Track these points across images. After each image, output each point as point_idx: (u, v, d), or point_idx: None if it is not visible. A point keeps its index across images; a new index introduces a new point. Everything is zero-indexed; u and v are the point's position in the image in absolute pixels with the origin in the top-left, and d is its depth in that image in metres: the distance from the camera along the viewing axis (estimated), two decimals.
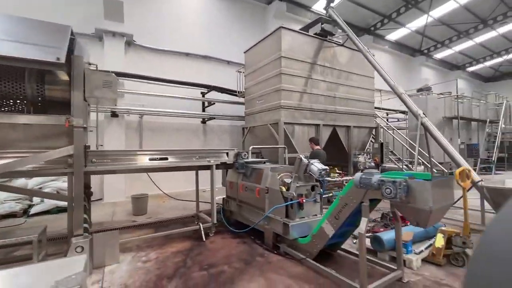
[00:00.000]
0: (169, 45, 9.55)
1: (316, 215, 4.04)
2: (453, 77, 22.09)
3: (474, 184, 5.27)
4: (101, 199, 7.82)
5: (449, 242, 3.52)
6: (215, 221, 4.74)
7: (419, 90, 13.29)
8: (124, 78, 8.16)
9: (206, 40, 10.38)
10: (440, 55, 19.54)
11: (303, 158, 4.00)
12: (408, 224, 4.50)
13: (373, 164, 8.74)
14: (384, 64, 16.83)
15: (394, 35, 16.32)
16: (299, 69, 7.44)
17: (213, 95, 9.93)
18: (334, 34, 8.11)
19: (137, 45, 8.91)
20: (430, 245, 3.66)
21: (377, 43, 16.20)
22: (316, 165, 3.82)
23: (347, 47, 8.65)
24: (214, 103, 9.89)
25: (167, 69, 9.36)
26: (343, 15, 8.66)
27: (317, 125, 7.69)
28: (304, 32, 7.72)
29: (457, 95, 11.79)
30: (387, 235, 3.61)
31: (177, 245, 4.34)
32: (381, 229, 4.23)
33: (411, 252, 3.46)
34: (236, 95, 9.66)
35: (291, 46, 7.30)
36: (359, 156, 8.50)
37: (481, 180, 4.98)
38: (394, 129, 11.97)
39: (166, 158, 4.40)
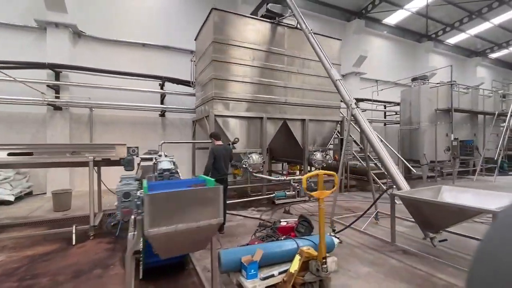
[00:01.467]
0: (124, 35, 9.20)
1: None
2: (472, 65, 19.70)
3: (385, 191, 4.39)
4: (45, 193, 7.77)
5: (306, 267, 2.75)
6: (92, 224, 4.31)
7: (414, 79, 11.79)
8: (67, 70, 7.98)
9: (165, 29, 9.87)
10: (452, 40, 17.36)
11: (155, 157, 3.40)
12: (295, 236, 3.75)
13: (331, 161, 7.83)
14: (381, 51, 15.57)
15: (393, 19, 14.66)
16: (239, 56, 6.71)
17: (171, 87, 9.49)
18: (283, 15, 7.22)
19: (88, 36, 8.67)
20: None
21: (372, 27, 14.66)
22: (161, 165, 3.21)
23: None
24: (165, 96, 9.45)
25: (122, 61, 9.05)
26: None
27: (261, 118, 6.93)
28: (243, 14, 6.93)
29: (451, 83, 10.23)
30: (235, 252, 2.92)
31: (39, 248, 3.97)
32: (256, 242, 3.52)
33: (254, 277, 2.74)
34: (190, 86, 9.12)
35: (227, 30, 6.57)
36: (315, 153, 7.64)
37: (391, 187, 4.05)
38: (371, 122, 10.69)
39: (31, 153, 4.02)
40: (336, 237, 3.80)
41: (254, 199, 6.92)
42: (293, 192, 7.05)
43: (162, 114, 9.66)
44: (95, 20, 8.78)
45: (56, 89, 7.88)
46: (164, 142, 5.92)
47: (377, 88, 13.07)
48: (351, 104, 4.94)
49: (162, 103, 9.59)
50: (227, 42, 6.54)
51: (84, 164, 4.30)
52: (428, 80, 11.58)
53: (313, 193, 2.81)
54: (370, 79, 13.94)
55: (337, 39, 8.38)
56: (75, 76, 8.24)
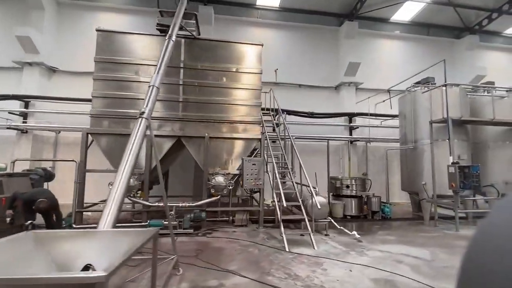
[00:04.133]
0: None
1: None
2: None
3: None
4: None
5: None
6: None
7: (417, 83, 8.91)
8: (36, 100, 9.46)
9: None
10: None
11: None
12: None
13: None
14: (392, 55, 12.69)
15: (402, 15, 11.88)
16: (124, 73, 6.50)
17: None
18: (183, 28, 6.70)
19: (61, 71, 10.19)
20: None
21: (373, 28, 12.21)
22: None
23: (208, 39, 6.99)
24: None
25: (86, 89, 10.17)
26: None
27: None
28: (129, 32, 6.75)
29: (445, 84, 7.15)
30: None
31: None
32: None
33: None
34: None
35: (111, 48, 6.53)
36: (216, 176, 6.44)
37: None
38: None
39: None
40: None
41: (130, 225, 6.18)
42: (174, 222, 5.97)
43: None
44: (68, 57, 10.31)
45: (24, 116, 9.41)
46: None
47: (369, 100, 10.48)
48: (142, 114, 3.88)
49: None
50: (110, 60, 6.48)
51: None
52: (435, 83, 8.53)
53: None
54: (372, 90, 11.34)
55: (258, 44, 7.21)
56: (46, 104, 9.68)
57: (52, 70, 10.15)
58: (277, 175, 6.00)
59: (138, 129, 3.66)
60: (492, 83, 9.11)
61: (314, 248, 4.98)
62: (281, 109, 10.35)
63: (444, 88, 7.12)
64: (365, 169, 11.56)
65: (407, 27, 12.45)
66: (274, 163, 6.25)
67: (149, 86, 4.35)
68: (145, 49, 6.66)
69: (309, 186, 6.44)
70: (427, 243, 5.46)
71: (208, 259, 4.35)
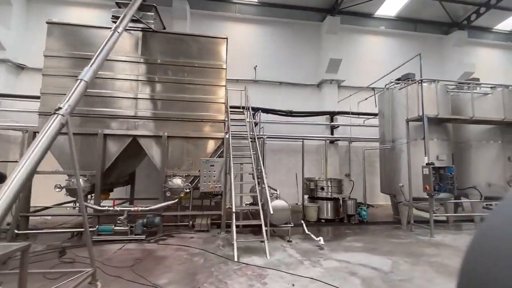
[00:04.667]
0: None
1: None
2: None
3: None
4: None
5: None
6: None
7: (398, 79, 8.47)
8: (3, 98, 9.09)
9: None
10: (503, 25, 12.22)
11: None
12: None
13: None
14: (377, 51, 12.23)
15: (386, 9, 11.44)
16: (73, 68, 6.10)
17: None
18: (138, 20, 6.30)
19: (30, 68, 9.82)
20: None
21: (356, 24, 11.78)
22: None
23: (168, 32, 6.60)
24: None
25: None
26: None
27: (96, 134, 5.96)
28: (81, 24, 6.34)
29: (421, 80, 6.71)
30: None
31: None
32: None
33: None
34: None
35: (61, 42, 6.14)
36: (173, 178, 6.04)
37: None
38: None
39: None
40: None
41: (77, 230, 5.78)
42: (125, 228, 5.57)
43: None
44: (36, 53, 9.92)
45: None
46: None
47: (350, 98, 10.05)
48: (57, 111, 3.46)
49: None
50: (61, 55, 6.09)
51: None
52: (415, 80, 8.10)
53: None
54: (355, 87, 10.91)
55: (222, 37, 6.79)
56: (13, 102, 9.31)
57: (20, 67, 9.78)
58: (232, 177, 5.58)
59: (49, 126, 3.25)
60: (477, 79, 8.69)
61: (266, 257, 4.57)
62: (258, 108, 9.99)
63: (419, 84, 6.68)
64: (348, 170, 11.16)
65: (393, 22, 12.02)
66: (232, 164, 5.83)
67: (77, 80, 3.94)
68: (96, 42, 6.24)
69: (275, 190, 6.05)
70: (394, 251, 5.04)
71: (141, 270, 3.95)
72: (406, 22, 12.04)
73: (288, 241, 5.60)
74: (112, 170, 6.67)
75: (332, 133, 10.80)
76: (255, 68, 11.01)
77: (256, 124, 10.22)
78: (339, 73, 10.99)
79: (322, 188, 7.95)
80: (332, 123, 10.68)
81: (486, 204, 8.47)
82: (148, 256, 4.64)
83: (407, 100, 7.10)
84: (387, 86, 8.11)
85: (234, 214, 5.22)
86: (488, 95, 7.82)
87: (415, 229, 6.70)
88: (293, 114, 10.16)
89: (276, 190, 5.72)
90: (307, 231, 6.29)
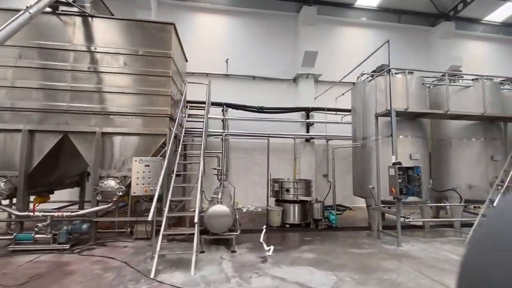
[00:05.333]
0: None
1: None
2: None
3: None
4: None
5: None
6: None
7: (373, 72, 7.75)
8: None
9: None
10: (494, 16, 11.49)
11: None
12: None
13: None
14: (361, 44, 11.54)
15: (368, 0, 10.75)
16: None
17: None
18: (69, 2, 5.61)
19: None
20: None
21: (333, 14, 11.07)
22: None
23: (107, 17, 5.94)
24: None
25: None
26: None
27: (20, 131, 5.30)
28: (8, 8, 5.68)
29: (389, 69, 6.01)
30: None
31: None
32: None
33: None
34: None
35: None
36: (105, 180, 5.37)
37: None
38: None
39: None
40: None
41: None
42: (47, 236, 4.90)
43: None
44: None
45: None
46: None
47: (326, 93, 9.33)
48: None
49: None
50: None
51: None
52: (390, 72, 7.38)
53: None
54: (334, 82, 10.20)
55: (168, 23, 6.11)
56: None
57: None
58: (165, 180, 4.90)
59: None
60: (460, 71, 7.98)
61: (191, 273, 3.89)
62: (225, 103, 9.33)
63: (388, 74, 5.98)
64: (325, 170, 10.48)
65: (375, 13, 11.31)
66: (165, 163, 5.14)
67: None
68: (31, 29, 5.57)
69: (221, 195, 5.38)
70: (346, 265, 4.35)
71: None
72: (389, 13, 11.33)
73: (232, 251, 4.92)
74: (49, 170, 6.03)
75: (307, 131, 10.11)
76: (226, 62, 10.34)
77: (224, 121, 9.58)
78: (317, 67, 10.29)
79: (288, 190, 7.26)
80: (307, 120, 9.99)
81: (467, 207, 7.79)
82: (54, 270, 3.97)
83: (375, 93, 6.40)
84: (359, 79, 7.41)
85: (164, 221, 4.55)
86: (470, 88, 7.12)
87: (384, 236, 6.01)
88: (264, 110, 9.48)
89: (215, 196, 5.02)
90: (261, 239, 5.64)
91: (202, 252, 4.85)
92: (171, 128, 5.79)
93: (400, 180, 5.36)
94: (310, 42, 10.06)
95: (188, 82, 7.87)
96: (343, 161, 10.14)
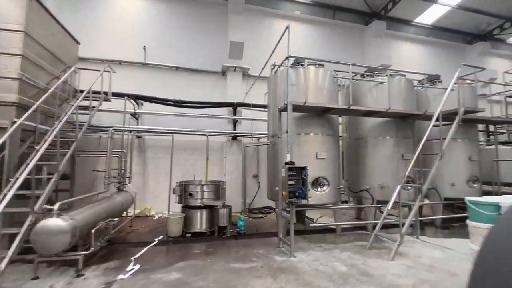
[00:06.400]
0: None
1: None
2: None
3: None
4: None
5: None
6: None
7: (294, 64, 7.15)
8: None
9: None
10: (424, 18, 11.78)
11: None
12: None
13: None
14: (293, 38, 11.03)
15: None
16: None
17: None
18: None
19: None
20: None
21: (268, 5, 10.53)
22: None
23: None
24: None
25: None
26: None
27: None
28: None
29: (287, 57, 5.45)
30: None
31: None
32: None
33: None
34: None
35: None
36: None
37: None
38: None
39: None
40: None
41: None
42: None
43: None
44: None
45: None
46: None
47: (252, 87, 8.67)
48: None
49: None
50: None
51: None
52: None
53: None
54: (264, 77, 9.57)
55: None
56: None
57: None
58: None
59: None
60: (376, 69, 7.75)
61: None
62: (132, 95, 8.20)
63: (287, 66, 5.38)
64: (256, 170, 9.82)
65: (309, 7, 10.93)
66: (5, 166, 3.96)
67: None
68: None
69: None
70: (208, 287, 3.58)
71: None
72: (324, 9, 11.02)
73: (78, 275, 3.90)
74: None
75: (234, 128, 9.35)
76: (144, 49, 9.19)
77: (135, 115, 8.45)
78: (247, 61, 9.58)
79: (191, 194, 6.38)
80: (233, 117, 9.22)
81: (381, 209, 7.58)
82: None
83: (285, 85, 5.79)
84: (272, 72, 6.79)
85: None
86: (384, 85, 6.85)
87: (283, 244, 5.39)
88: (183, 104, 8.51)
89: (52, 206, 3.93)
90: (137, 255, 4.72)
91: (35, 278, 3.77)
92: (16, 121, 4.56)
93: (293, 182, 4.76)
94: (238, 32, 9.30)
95: (79, 68, 6.65)
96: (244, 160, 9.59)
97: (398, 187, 5.05)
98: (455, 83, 6.67)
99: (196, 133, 8.29)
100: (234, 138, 9.26)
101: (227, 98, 9.35)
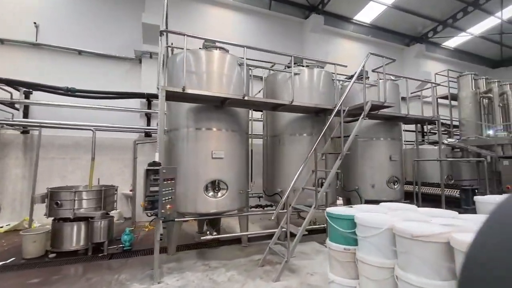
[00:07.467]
0: None
1: None
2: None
3: None
4: None
5: None
6: None
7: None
8: None
9: None
10: (363, 16, 11.60)
11: None
12: None
13: None
14: (228, 27, 9.74)
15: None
16: None
17: None
18: None
19: None
20: None
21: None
22: None
23: None
24: None
25: None
26: None
27: None
28: None
29: (168, 47, 4.49)
30: None
31: None
32: None
33: None
34: None
35: None
36: None
37: None
38: None
39: None
40: None
41: None
42: None
43: None
44: None
45: None
46: None
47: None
48: None
49: None
50: None
51: None
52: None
53: None
54: None
55: None
56: None
57: None
58: None
59: None
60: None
61: None
62: (9, 80, 6.64)
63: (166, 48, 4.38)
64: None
65: None
66: None
67: None
68: None
69: None
70: None
71: None
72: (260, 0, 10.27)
73: None
74: None
75: (148, 124, 8.13)
76: (36, 26, 7.58)
77: (14, 105, 6.86)
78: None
79: (57, 204, 5.08)
80: (146, 110, 8.01)
81: (296, 211, 6.95)
82: None
83: (182, 71, 4.77)
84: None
85: None
86: (300, 76, 6.18)
87: (165, 264, 4.37)
88: (77, 94, 7.10)
89: None
90: None
91: None
92: None
93: (157, 189, 3.76)
94: (153, 14, 8.08)
95: None
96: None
97: (288, 191, 4.33)
98: (380, 79, 6.25)
99: (81, 127, 6.92)
100: (148, 135, 8.05)
101: (141, 88, 8.10)
